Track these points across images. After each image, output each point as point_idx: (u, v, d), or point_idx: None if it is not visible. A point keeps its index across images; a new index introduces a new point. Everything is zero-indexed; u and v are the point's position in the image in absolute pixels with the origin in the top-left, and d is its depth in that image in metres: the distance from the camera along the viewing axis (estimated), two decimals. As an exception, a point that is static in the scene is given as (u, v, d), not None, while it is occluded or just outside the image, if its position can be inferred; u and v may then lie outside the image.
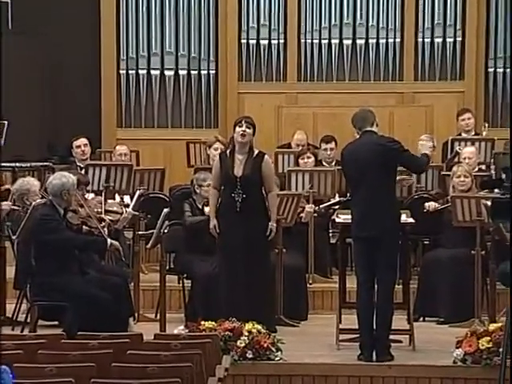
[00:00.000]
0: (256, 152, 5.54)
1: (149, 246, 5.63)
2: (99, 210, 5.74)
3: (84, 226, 5.48)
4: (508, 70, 8.12)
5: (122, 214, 5.85)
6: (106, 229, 5.54)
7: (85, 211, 5.47)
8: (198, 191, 6.07)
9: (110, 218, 5.73)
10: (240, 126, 5.49)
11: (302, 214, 6.23)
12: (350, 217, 5.24)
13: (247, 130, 5.48)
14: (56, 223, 5.27)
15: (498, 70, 8.23)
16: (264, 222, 5.49)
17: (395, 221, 5.09)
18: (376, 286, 5.08)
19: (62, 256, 5.27)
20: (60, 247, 5.25)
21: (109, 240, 5.36)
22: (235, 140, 5.54)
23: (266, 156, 5.56)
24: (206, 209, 5.94)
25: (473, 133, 7.53)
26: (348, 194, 6.69)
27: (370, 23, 8.34)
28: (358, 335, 5.17)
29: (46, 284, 5.25)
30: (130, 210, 5.95)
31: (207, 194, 5.89)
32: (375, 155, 5.02)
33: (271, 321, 5.48)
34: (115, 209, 5.92)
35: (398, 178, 5.37)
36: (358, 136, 5.16)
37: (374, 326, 5.06)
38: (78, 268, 5.37)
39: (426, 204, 6.18)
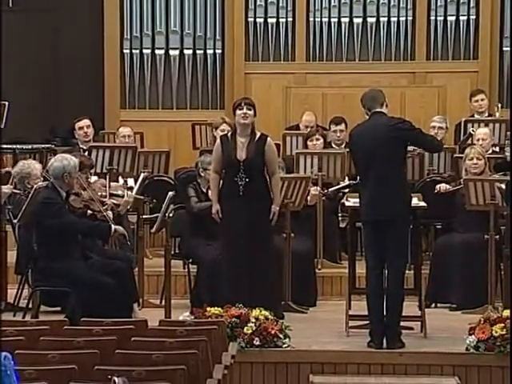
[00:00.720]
0: (258, 134, 5.46)
1: (153, 230, 5.55)
2: (103, 193, 5.63)
3: (88, 210, 5.36)
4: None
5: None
6: (110, 212, 5.42)
7: (87, 194, 5.37)
8: (202, 174, 5.96)
9: (115, 201, 5.61)
10: (240, 109, 5.41)
11: (308, 197, 6.11)
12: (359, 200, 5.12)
13: (248, 112, 5.40)
14: (58, 207, 5.19)
15: (512, 49, 8.10)
16: (267, 206, 5.41)
17: (406, 204, 5.01)
18: (386, 272, 4.99)
19: (64, 240, 5.20)
20: (62, 231, 5.17)
21: (113, 226, 5.25)
22: (237, 123, 5.47)
23: (268, 138, 5.49)
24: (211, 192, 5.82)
25: (486, 114, 7.40)
26: (358, 177, 6.56)
27: (381, 1, 8.26)
28: (367, 322, 5.09)
29: (48, 269, 5.19)
30: (130, 193, 5.83)
31: (212, 177, 5.79)
32: (386, 137, 4.94)
33: (277, 307, 5.41)
34: (119, 192, 5.80)
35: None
36: (367, 117, 5.04)
37: (385, 313, 4.95)
38: (81, 252, 5.30)
39: (438, 185, 6.08)
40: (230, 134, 5.55)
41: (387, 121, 5.02)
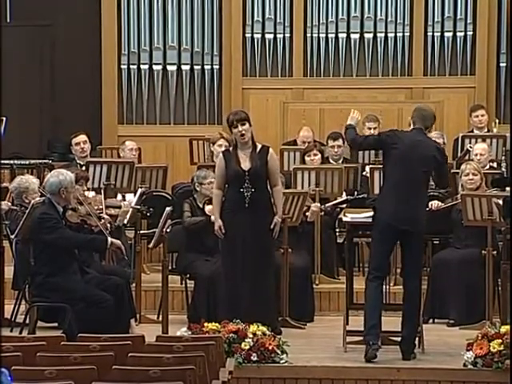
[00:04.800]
0: (259, 146, 5.47)
1: (151, 245, 5.55)
2: (100, 206, 5.62)
3: (85, 225, 5.36)
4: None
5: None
6: (107, 224, 5.41)
7: (84, 209, 5.36)
8: (198, 189, 5.96)
9: (113, 212, 5.61)
10: (235, 127, 5.38)
11: (307, 213, 6.11)
12: (357, 216, 5.18)
13: (244, 129, 5.38)
14: (55, 222, 5.18)
15: (510, 64, 8.11)
16: (270, 218, 5.38)
17: (424, 220, 5.11)
18: (403, 285, 5.07)
19: (61, 255, 5.19)
20: (59, 246, 5.16)
21: (109, 238, 5.24)
22: (236, 140, 5.45)
23: (270, 149, 5.50)
24: (207, 207, 5.82)
25: (485, 130, 7.41)
26: (355, 193, 6.57)
27: (379, 17, 8.28)
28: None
29: (45, 284, 5.18)
30: (127, 203, 5.81)
31: (208, 191, 5.83)
32: (428, 153, 5.06)
33: (275, 322, 5.39)
34: (117, 203, 5.79)
35: None
36: (411, 126, 5.16)
37: (401, 326, 5.02)
38: (78, 268, 5.28)
39: (430, 203, 6.11)
40: (231, 148, 5.55)
41: (431, 141, 5.21)
